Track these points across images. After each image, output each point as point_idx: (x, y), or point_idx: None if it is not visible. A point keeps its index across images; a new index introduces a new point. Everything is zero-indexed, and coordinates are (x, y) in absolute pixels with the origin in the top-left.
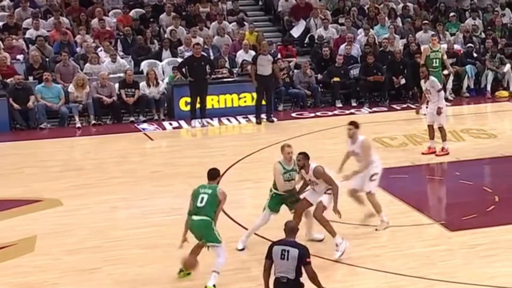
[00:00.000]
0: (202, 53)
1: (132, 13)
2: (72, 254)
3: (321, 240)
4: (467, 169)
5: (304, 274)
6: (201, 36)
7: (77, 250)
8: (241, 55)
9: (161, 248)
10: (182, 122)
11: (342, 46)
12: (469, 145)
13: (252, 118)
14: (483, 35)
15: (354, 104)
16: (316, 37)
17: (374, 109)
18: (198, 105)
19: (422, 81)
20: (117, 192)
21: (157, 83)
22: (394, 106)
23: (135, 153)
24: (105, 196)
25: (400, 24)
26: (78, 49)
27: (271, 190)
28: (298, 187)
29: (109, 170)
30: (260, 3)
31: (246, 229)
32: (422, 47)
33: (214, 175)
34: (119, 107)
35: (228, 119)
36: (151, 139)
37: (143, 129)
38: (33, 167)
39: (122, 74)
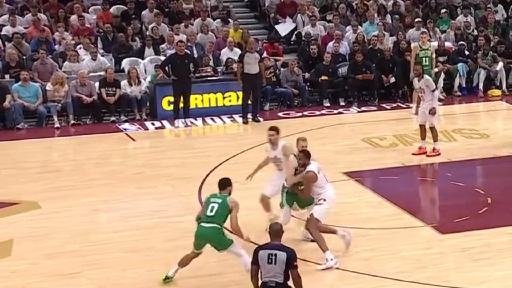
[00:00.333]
0: (186, 51)
1: (113, 9)
2: (51, 258)
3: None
4: (459, 170)
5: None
6: (184, 33)
7: (56, 254)
8: (226, 53)
9: (143, 252)
10: (165, 122)
11: (330, 44)
12: (461, 145)
13: (237, 118)
14: (475, 32)
15: (342, 103)
16: (303, 34)
17: (363, 108)
18: (181, 105)
19: (415, 79)
20: (97, 195)
21: (139, 82)
22: (384, 105)
23: (116, 154)
24: (85, 199)
25: (390, 21)
26: (56, 47)
27: (284, 186)
28: None
29: (89, 171)
30: None
31: (233, 232)
32: (412, 45)
33: (225, 184)
34: (100, 107)
35: (212, 119)
36: (133, 140)
37: (125, 129)
38: (10, 169)
39: (102, 73)
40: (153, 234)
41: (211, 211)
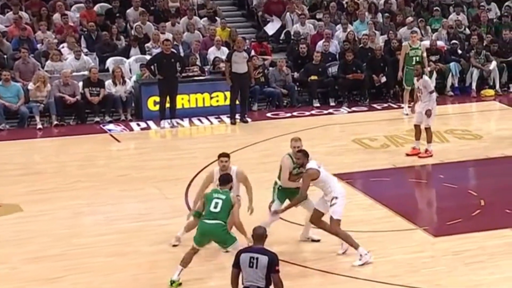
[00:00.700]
0: (172, 50)
1: (97, 7)
2: (33, 262)
3: (318, 241)
4: (451, 171)
5: None
6: (171, 32)
7: (38, 258)
8: (213, 52)
9: (128, 256)
10: (151, 123)
11: (320, 43)
12: (454, 146)
13: (225, 118)
14: (467, 31)
15: (332, 103)
16: (292, 33)
17: (354, 108)
18: (167, 105)
19: (415, 79)
20: (81, 197)
21: (124, 82)
22: (375, 105)
23: (101, 155)
24: (68, 201)
25: (381, 20)
26: (38, 46)
27: (275, 183)
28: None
29: (73, 173)
30: None
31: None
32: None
33: (226, 180)
34: (83, 107)
35: (199, 120)
36: (118, 141)
37: (109, 130)
38: None
39: (86, 72)
40: (138, 238)
41: (215, 207)
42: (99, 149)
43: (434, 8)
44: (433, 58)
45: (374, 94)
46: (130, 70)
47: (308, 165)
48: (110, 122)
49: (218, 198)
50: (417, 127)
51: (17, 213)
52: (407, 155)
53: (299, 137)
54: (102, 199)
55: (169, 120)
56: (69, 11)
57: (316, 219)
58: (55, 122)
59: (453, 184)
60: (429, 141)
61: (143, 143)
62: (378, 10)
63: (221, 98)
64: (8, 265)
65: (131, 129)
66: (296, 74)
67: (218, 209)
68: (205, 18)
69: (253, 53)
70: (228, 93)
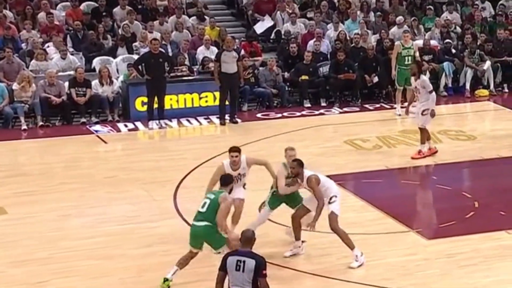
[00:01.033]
0: (160, 49)
1: (83, 6)
2: (18, 266)
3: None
4: (445, 172)
5: None
6: (159, 31)
7: (23, 262)
8: (202, 52)
9: (115, 259)
10: (139, 124)
11: (311, 42)
12: (447, 147)
13: (214, 119)
14: (457, 29)
15: (323, 104)
16: (283, 32)
17: (345, 109)
18: (155, 105)
19: (412, 79)
20: (67, 199)
21: (111, 82)
22: (367, 106)
23: (87, 157)
24: (54, 204)
25: (373, 19)
26: (23, 45)
27: (272, 187)
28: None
29: (59, 175)
30: None
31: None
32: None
33: (226, 180)
34: (69, 108)
35: (188, 120)
36: (105, 142)
37: (96, 131)
38: None
39: (72, 72)
40: (125, 241)
41: (203, 207)
42: (86, 150)
43: (427, 7)
44: (426, 57)
45: (366, 94)
46: (117, 70)
47: (306, 173)
48: (96, 123)
49: (208, 198)
50: (421, 129)
51: (1, 216)
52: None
53: (293, 146)
54: (89, 201)
55: (157, 121)
56: (55, 10)
57: (299, 216)
58: (41, 123)
59: (447, 186)
60: (422, 142)
61: (131, 144)
62: (370, 9)
63: (210, 99)
64: None
65: (119, 130)
66: (286, 74)
67: (204, 209)
68: (194, 17)
69: (243, 52)
70: (217, 94)
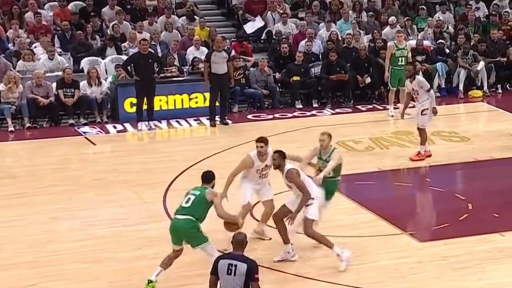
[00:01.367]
0: (149, 49)
1: (71, 6)
2: (4, 270)
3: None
4: (438, 174)
5: None
6: (148, 31)
7: (10, 265)
8: (192, 52)
9: (104, 263)
10: (128, 125)
11: (302, 43)
12: (440, 148)
13: (204, 120)
14: (450, 29)
15: (315, 105)
16: (274, 32)
17: (337, 110)
18: (145, 107)
19: (407, 81)
20: (55, 202)
21: (100, 83)
22: (359, 107)
23: (76, 159)
24: (42, 206)
25: (365, 19)
26: (10, 45)
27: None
28: None
29: (46, 178)
30: None
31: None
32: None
33: (208, 177)
34: (57, 109)
35: (178, 122)
36: (93, 144)
37: (84, 132)
38: None
39: (60, 73)
40: (114, 244)
41: (187, 202)
42: (74, 152)
43: (420, 7)
44: (419, 58)
45: (358, 95)
46: (106, 70)
47: (288, 166)
48: (85, 124)
49: (192, 194)
50: (420, 130)
51: None
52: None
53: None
54: (77, 204)
55: (146, 122)
56: (42, 10)
57: (280, 215)
58: (28, 125)
59: (440, 188)
60: (422, 143)
61: (120, 146)
62: (363, 8)
63: (200, 100)
64: None
65: (107, 132)
66: (278, 75)
67: (189, 204)
68: (184, 17)
69: (233, 53)
70: (207, 94)
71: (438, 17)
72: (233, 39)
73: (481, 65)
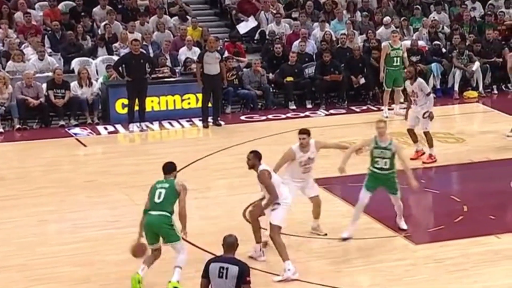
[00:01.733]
0: (141, 50)
1: (61, 6)
2: None
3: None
4: (433, 176)
5: None
6: (140, 31)
7: (0, 268)
8: (184, 53)
9: (95, 265)
10: (119, 126)
11: (296, 43)
12: (436, 150)
13: (197, 121)
14: (445, 29)
15: (309, 106)
16: (267, 32)
17: (331, 111)
18: (136, 108)
19: (407, 82)
20: (45, 204)
21: (90, 83)
22: (353, 107)
23: (66, 160)
24: (32, 209)
25: (360, 19)
26: None
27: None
28: None
29: (37, 179)
30: None
31: (191, 243)
32: (382, 44)
33: (170, 169)
34: (47, 110)
35: (170, 123)
36: (84, 145)
37: (75, 134)
38: None
39: (50, 73)
40: (106, 246)
41: (159, 197)
42: (65, 154)
43: (415, 7)
44: (414, 58)
45: (352, 96)
46: (96, 71)
47: (262, 167)
48: (76, 125)
49: (161, 187)
50: (410, 131)
51: None
52: (412, 159)
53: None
54: (68, 206)
55: (138, 124)
56: (32, 10)
57: (256, 214)
58: (18, 126)
59: (435, 189)
60: (430, 145)
61: (111, 147)
62: (357, 8)
63: (193, 101)
64: None
65: (98, 133)
66: (271, 75)
67: (161, 199)
68: (176, 17)
69: (226, 53)
70: (200, 95)
71: (433, 17)
72: (226, 39)
73: (476, 65)
